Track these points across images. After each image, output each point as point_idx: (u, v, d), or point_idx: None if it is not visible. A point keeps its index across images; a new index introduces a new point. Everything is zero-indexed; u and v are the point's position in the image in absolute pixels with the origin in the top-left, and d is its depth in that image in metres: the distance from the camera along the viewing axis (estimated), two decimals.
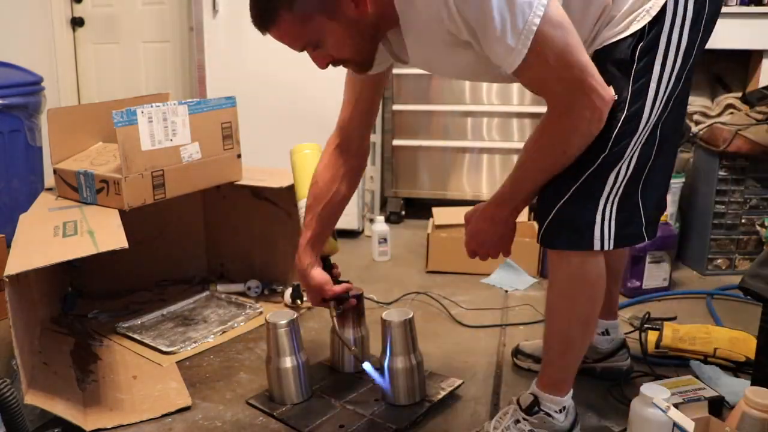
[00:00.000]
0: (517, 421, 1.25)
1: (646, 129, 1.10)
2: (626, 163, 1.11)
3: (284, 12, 1.05)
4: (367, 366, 1.41)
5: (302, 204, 1.50)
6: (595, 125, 1.04)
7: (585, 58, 1.01)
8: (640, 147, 1.11)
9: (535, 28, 0.96)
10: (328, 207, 1.42)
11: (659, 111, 1.11)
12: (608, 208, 1.12)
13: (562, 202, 1.12)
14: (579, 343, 1.23)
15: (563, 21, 0.99)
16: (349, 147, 1.42)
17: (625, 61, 1.08)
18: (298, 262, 1.44)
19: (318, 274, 1.43)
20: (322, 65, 1.14)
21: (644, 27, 1.07)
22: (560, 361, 1.24)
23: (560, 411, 1.24)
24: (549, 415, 1.23)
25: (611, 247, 1.13)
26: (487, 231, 1.24)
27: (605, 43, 1.10)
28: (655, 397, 1.11)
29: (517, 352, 1.65)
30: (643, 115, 1.09)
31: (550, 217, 1.14)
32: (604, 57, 1.09)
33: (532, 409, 1.23)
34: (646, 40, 1.07)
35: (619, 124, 1.08)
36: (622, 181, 1.12)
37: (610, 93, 1.04)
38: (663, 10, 1.06)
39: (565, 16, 1.00)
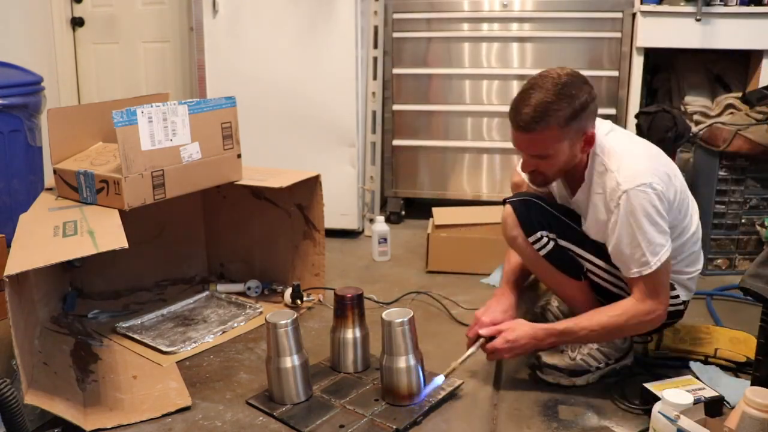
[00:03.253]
0: None
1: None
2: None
3: (555, 126, 1.32)
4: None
5: None
6: (651, 324, 1.40)
7: (666, 286, 1.40)
8: None
9: (650, 272, 1.35)
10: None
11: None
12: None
13: None
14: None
15: (666, 267, 1.37)
16: None
17: None
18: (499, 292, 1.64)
19: (498, 308, 1.58)
20: (527, 169, 1.45)
21: None
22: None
23: None
24: None
25: None
26: (525, 346, 1.46)
27: None
28: (662, 407, 1.10)
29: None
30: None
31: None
32: None
33: None
34: None
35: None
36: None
37: (663, 307, 1.38)
38: None
39: (668, 263, 1.37)
